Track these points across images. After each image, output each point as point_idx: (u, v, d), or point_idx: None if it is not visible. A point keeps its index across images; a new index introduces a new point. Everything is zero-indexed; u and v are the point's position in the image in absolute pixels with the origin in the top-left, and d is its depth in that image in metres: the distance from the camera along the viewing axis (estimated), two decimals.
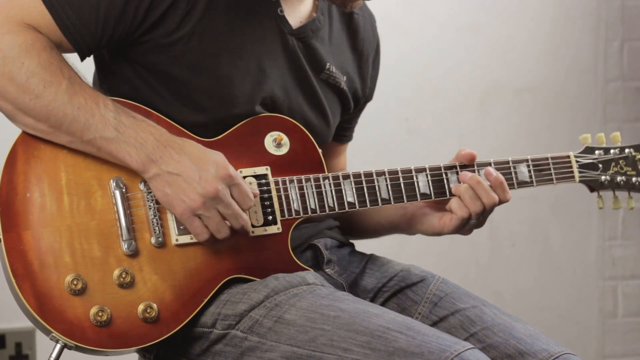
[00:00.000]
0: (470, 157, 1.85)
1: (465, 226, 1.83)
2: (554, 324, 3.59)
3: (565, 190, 3.32)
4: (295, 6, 1.83)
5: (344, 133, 2.03)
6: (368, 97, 2.02)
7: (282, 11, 1.80)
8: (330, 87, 1.89)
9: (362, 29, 1.96)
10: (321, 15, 1.86)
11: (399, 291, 1.88)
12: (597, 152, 1.95)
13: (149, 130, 1.66)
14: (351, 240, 1.99)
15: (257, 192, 1.73)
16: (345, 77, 1.91)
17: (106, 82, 1.80)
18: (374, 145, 3.16)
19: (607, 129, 3.60)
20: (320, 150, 1.82)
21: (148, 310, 1.66)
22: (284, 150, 1.79)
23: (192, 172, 1.63)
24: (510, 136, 3.52)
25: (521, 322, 1.78)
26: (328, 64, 1.86)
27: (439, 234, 1.87)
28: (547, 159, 1.90)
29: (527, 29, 3.53)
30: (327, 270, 1.87)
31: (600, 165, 1.94)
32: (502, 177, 1.82)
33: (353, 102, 1.96)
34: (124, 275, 1.66)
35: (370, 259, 1.95)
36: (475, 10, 3.47)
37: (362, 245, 2.00)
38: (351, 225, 1.99)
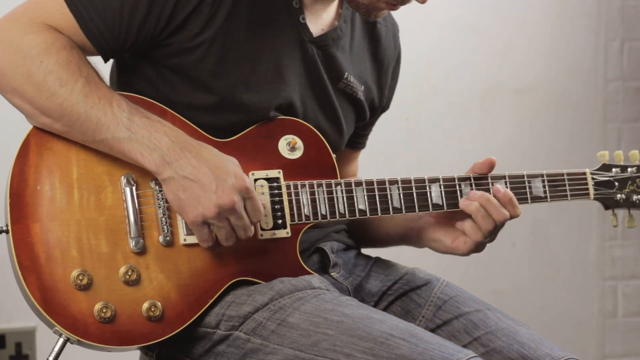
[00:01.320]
0: (490, 163, 1.84)
1: (480, 247, 1.83)
2: (554, 324, 3.59)
3: None
4: (319, 14, 1.82)
5: (357, 140, 2.02)
6: (385, 107, 2.01)
7: (304, 19, 1.79)
8: (347, 96, 1.88)
9: (384, 39, 1.95)
10: (343, 24, 1.85)
11: (403, 294, 1.88)
12: (614, 170, 1.93)
13: (163, 130, 1.65)
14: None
15: (267, 203, 1.72)
16: (363, 87, 1.91)
17: (124, 77, 1.80)
18: (375, 146, 3.13)
19: (607, 129, 3.61)
20: (334, 156, 1.81)
21: (152, 309, 1.66)
22: (297, 154, 1.78)
23: (209, 180, 1.62)
24: (511, 136, 3.52)
25: (525, 327, 1.78)
26: (346, 73, 1.86)
27: (451, 254, 1.86)
28: (562, 174, 1.89)
29: (527, 29, 3.53)
30: (332, 274, 1.86)
31: (617, 183, 1.92)
32: (510, 193, 1.81)
33: (369, 111, 1.95)
34: (129, 273, 1.66)
35: (375, 262, 1.95)
36: (475, 11, 3.47)
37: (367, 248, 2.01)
38: (361, 234, 1.98)
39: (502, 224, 1.80)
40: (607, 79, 3.61)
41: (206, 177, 1.62)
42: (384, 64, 1.96)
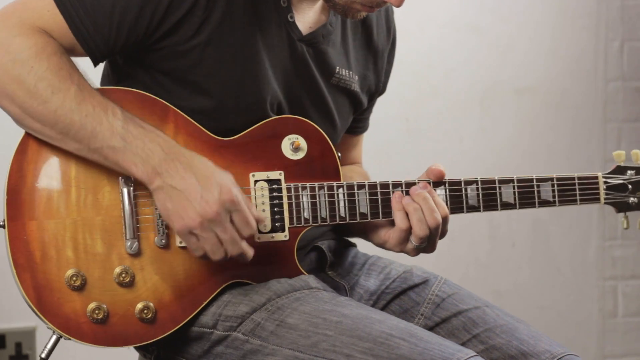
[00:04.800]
0: (439, 174, 1.77)
1: (407, 242, 1.77)
2: (554, 324, 3.59)
3: None
4: (306, 12, 1.81)
5: (357, 125, 2.00)
6: (382, 91, 2.00)
7: (292, 17, 1.78)
8: (341, 90, 1.87)
9: (376, 24, 1.93)
10: (333, 17, 1.84)
11: (401, 293, 1.87)
12: (628, 172, 1.85)
13: (157, 141, 1.63)
14: (353, 240, 1.98)
15: (263, 217, 1.70)
16: (357, 77, 1.89)
17: (120, 84, 1.78)
18: (374, 146, 3.13)
19: (607, 129, 3.61)
20: (338, 155, 1.78)
21: (145, 311, 1.66)
22: (300, 155, 1.76)
23: (195, 190, 1.60)
24: (510, 136, 3.52)
25: (524, 323, 1.78)
26: (337, 67, 1.85)
27: (382, 245, 1.82)
28: (573, 178, 1.82)
29: (527, 29, 3.53)
30: (329, 272, 1.86)
31: (630, 186, 1.84)
32: (425, 194, 1.73)
33: (367, 99, 1.94)
34: (124, 275, 1.66)
35: (373, 260, 1.94)
36: (475, 10, 3.47)
37: (365, 246, 2.00)
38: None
39: (435, 230, 1.74)
40: (607, 79, 3.61)
41: (192, 187, 1.61)
42: (379, 49, 1.95)
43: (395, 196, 1.75)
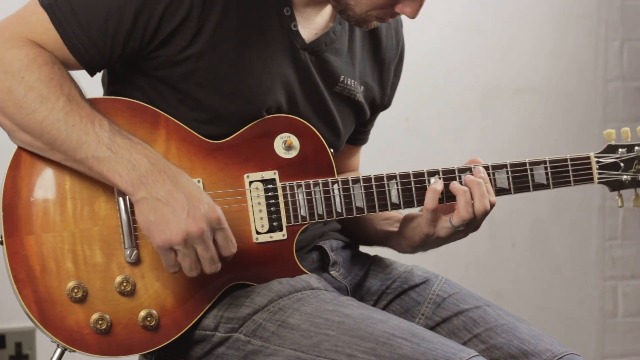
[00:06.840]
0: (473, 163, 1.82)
1: (436, 223, 1.80)
2: (554, 324, 3.59)
3: (565, 190, 3.32)
4: (311, 18, 1.80)
5: (358, 137, 2.01)
6: (386, 105, 1.99)
7: (295, 26, 1.77)
8: (345, 99, 1.86)
9: (384, 37, 1.93)
10: (338, 25, 1.83)
11: (402, 293, 1.88)
12: (620, 150, 1.87)
13: (144, 153, 1.62)
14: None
15: (263, 207, 1.71)
16: (362, 88, 1.89)
17: (115, 85, 1.78)
18: (374, 145, 3.13)
19: (607, 129, 3.60)
20: (331, 151, 1.79)
21: (149, 318, 1.66)
22: (293, 153, 1.76)
23: (181, 205, 1.58)
24: (510, 136, 3.53)
25: (525, 323, 1.78)
26: (342, 76, 1.84)
27: (427, 236, 1.82)
28: (565, 160, 1.85)
29: (527, 29, 3.53)
30: (332, 272, 1.86)
31: (622, 164, 1.86)
32: (486, 177, 1.77)
33: (370, 110, 1.94)
34: (125, 284, 1.66)
35: (374, 260, 1.95)
36: (476, 11, 3.48)
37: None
38: (351, 230, 1.96)
39: (480, 217, 1.77)
40: (607, 79, 3.61)
41: (178, 202, 1.59)
42: (385, 62, 1.94)
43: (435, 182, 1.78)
